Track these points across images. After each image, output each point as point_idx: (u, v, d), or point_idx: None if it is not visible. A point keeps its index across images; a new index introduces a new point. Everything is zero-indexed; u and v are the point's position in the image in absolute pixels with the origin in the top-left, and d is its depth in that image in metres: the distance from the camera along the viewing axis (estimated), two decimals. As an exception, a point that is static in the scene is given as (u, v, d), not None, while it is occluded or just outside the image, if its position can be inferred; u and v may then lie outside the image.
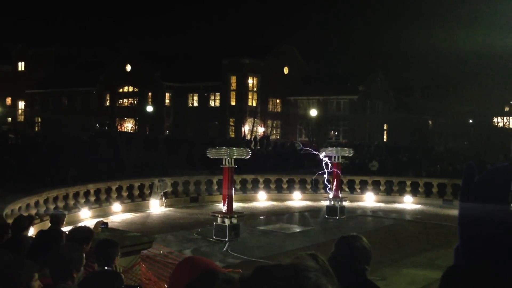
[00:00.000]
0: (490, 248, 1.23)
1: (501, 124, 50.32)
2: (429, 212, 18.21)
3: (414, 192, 20.00)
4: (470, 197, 1.31)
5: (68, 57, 62.06)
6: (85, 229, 5.65)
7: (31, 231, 7.73)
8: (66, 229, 6.54)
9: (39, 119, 61.61)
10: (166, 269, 6.63)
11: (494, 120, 49.76)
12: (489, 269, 1.19)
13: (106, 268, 4.42)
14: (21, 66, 65.97)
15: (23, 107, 65.89)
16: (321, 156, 16.59)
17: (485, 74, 45.92)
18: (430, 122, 57.66)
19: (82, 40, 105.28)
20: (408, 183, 20.28)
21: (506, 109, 52.37)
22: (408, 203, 19.72)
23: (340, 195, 16.89)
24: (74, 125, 42.90)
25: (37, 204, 13.23)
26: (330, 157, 16.66)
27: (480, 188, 1.30)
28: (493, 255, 1.22)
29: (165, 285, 5.68)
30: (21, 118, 65.03)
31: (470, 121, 47.29)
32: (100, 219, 7.41)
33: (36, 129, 59.87)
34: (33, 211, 12.74)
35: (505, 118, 51.73)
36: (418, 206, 19.31)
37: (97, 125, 52.79)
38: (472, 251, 1.26)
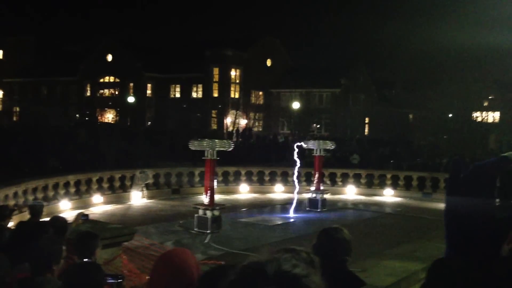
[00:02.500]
0: (475, 241, 1.25)
1: (479, 119, 51.06)
2: (409, 205, 18.44)
3: (395, 185, 20.23)
4: (457, 191, 1.33)
5: (47, 46, 61.05)
6: (61, 219, 5.60)
7: (10, 223, 7.61)
8: (44, 220, 6.46)
9: (18, 109, 60.62)
10: (147, 261, 6.60)
11: (473, 115, 50.48)
12: (473, 261, 1.21)
13: (86, 260, 4.38)
14: (-1, 54, 64.74)
15: (1, 96, 64.68)
16: (295, 147, 16.61)
17: (465, 69, 46.51)
18: (410, 116, 58.30)
19: (62, 29, 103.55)
20: (389, 176, 20.49)
21: (485, 104, 53.13)
22: (389, 196, 19.94)
23: (321, 188, 16.99)
24: (53, 115, 42.31)
25: (15, 195, 13.03)
26: (303, 150, 16.68)
27: (467, 182, 1.32)
28: (477, 248, 1.24)
29: (147, 277, 5.66)
30: (-1, 107, 63.91)
31: (450, 115, 47.93)
32: (80, 211, 7.34)
33: (15, 119, 58.92)
34: (11, 202, 12.54)
35: (483, 112, 52.48)
36: (398, 199, 19.55)
37: (77, 115, 52.18)
38: (457, 244, 1.29)
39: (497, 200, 1.20)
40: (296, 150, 16.45)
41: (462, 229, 1.26)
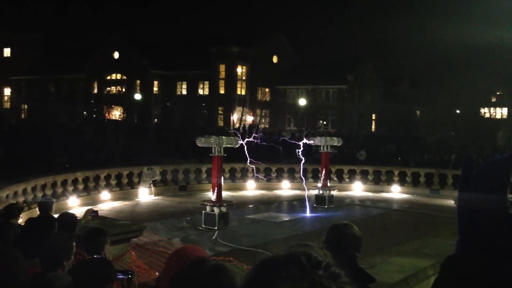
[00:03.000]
0: (488, 238, 1.24)
1: (487, 115, 50.77)
2: (417, 201, 18.38)
3: (402, 182, 20.17)
4: (469, 187, 1.31)
5: (55, 43, 61.27)
6: (70, 215, 5.63)
7: (20, 219, 7.66)
8: (53, 216, 6.49)
9: (26, 106, 60.90)
10: (156, 257, 6.63)
11: (481, 111, 50.20)
12: (487, 259, 1.20)
13: (95, 256, 4.40)
14: (7, 52, 64.95)
15: (9, 94, 65.01)
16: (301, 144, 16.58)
17: (472, 65, 46.24)
18: (418, 112, 58.02)
19: (69, 27, 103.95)
20: (396, 172, 20.43)
21: (493, 99, 52.83)
22: (396, 192, 19.88)
23: (328, 184, 16.97)
24: (61, 112, 42.49)
25: (24, 191, 13.11)
26: (310, 147, 16.65)
27: (480, 178, 1.31)
28: (491, 245, 1.23)
29: (156, 273, 5.68)
30: (7, 105, 64.18)
31: (457, 111, 47.67)
32: (89, 207, 7.37)
33: (23, 116, 59.22)
34: (20, 199, 12.63)
35: (491, 108, 52.21)
36: (405, 196, 19.48)
37: (84, 112, 52.35)
38: (471, 241, 1.27)
39: (510, 196, 1.19)
40: (301, 148, 16.42)
41: (476, 226, 1.25)
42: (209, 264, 1.94)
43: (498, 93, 52.67)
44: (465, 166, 1.40)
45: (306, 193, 15.99)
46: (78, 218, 6.22)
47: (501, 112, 53.89)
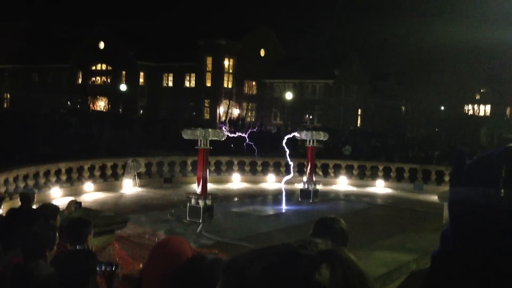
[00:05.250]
0: (480, 233, 1.23)
1: (471, 112, 51.37)
2: (400, 196, 18.54)
3: (386, 177, 20.31)
4: (461, 182, 1.30)
5: (39, 32, 60.36)
6: (51, 206, 5.55)
7: (0, 210, 7.55)
8: (35, 207, 6.39)
9: (8, 96, 60.01)
10: (140, 249, 6.58)
11: (465, 108, 50.77)
12: (478, 254, 1.19)
13: (78, 247, 4.34)
14: (-11, 40, 63.82)
15: (-9, 83, 63.97)
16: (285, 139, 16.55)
17: (457, 63, 46.68)
18: (403, 108, 58.48)
19: (54, 16, 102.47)
20: (381, 168, 20.57)
21: (477, 97, 53.45)
22: (380, 187, 20.02)
23: (313, 179, 17.02)
24: (45, 102, 41.96)
25: (6, 181, 12.93)
26: (296, 141, 16.61)
27: (472, 173, 1.29)
28: (482, 240, 1.22)
29: (140, 265, 5.64)
30: (-11, 94, 63.17)
31: (442, 108, 48.15)
32: (73, 199, 7.28)
33: (5, 105, 58.36)
34: (2, 189, 12.45)
35: (475, 106, 52.81)
36: (389, 191, 19.63)
37: (68, 103, 51.77)
38: (462, 237, 1.26)
39: (502, 190, 1.19)
40: (285, 141, 16.40)
41: (468, 221, 1.24)
42: (208, 260, 1.93)
43: (482, 90, 53.30)
44: (457, 161, 1.39)
45: (283, 186, 15.87)
46: (61, 209, 6.14)
47: (484, 110, 54.57)
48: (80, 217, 5.29)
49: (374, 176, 20.48)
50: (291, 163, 16.66)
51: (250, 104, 53.82)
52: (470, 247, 1.20)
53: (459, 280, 1.16)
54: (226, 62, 52.34)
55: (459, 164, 1.32)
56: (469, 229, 1.23)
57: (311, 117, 53.04)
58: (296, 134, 17.13)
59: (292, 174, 16.73)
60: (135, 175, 17.62)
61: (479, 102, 53.57)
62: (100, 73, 56.41)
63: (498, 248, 1.16)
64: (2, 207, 7.59)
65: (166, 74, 54.71)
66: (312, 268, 0.79)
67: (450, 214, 1.32)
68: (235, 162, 20.47)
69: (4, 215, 6.31)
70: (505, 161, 1.27)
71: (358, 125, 54.68)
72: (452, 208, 1.31)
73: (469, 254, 1.18)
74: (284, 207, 15.59)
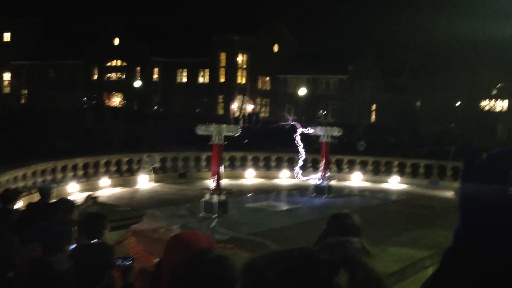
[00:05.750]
0: (489, 230, 1.25)
1: (488, 108, 50.69)
2: (415, 192, 18.42)
3: (401, 173, 20.19)
4: (471, 179, 1.32)
5: (55, 28, 60.89)
6: (68, 201, 5.65)
7: (19, 204, 7.68)
8: (53, 202, 6.50)
9: (26, 92, 60.73)
10: (156, 243, 6.66)
11: (481, 104, 50.13)
12: (488, 250, 1.21)
13: (95, 241, 4.42)
14: (6, 36, 64.58)
15: (9, 79, 64.77)
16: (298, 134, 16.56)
17: (473, 58, 46.09)
18: (418, 103, 57.95)
19: (70, 12, 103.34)
20: (395, 163, 20.44)
21: (494, 92, 52.69)
22: (395, 183, 19.92)
23: (327, 174, 17.00)
24: (61, 98, 42.42)
25: (24, 176, 13.13)
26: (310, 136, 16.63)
27: (482, 170, 1.31)
28: (491, 237, 1.24)
29: (155, 259, 5.71)
30: (7, 90, 63.96)
31: (458, 103, 47.60)
32: (90, 193, 7.38)
33: (23, 101, 59.09)
34: (20, 184, 12.66)
35: (492, 101, 52.07)
36: (404, 186, 19.52)
37: (84, 98, 52.23)
38: (472, 233, 1.28)
39: (511, 189, 1.20)
40: (298, 135, 16.41)
41: (477, 217, 1.25)
42: (209, 257, 1.93)
43: (498, 85, 52.53)
44: (467, 158, 1.41)
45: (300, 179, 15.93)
46: (77, 204, 6.24)
47: (501, 105, 53.81)
48: (96, 211, 5.37)
49: (388, 172, 20.37)
50: (302, 153, 16.57)
51: (263, 100, 53.77)
52: (479, 243, 1.22)
53: (468, 276, 1.18)
54: (240, 58, 52.32)
55: (469, 162, 1.34)
56: (479, 226, 1.25)
57: (325, 112, 52.84)
58: (311, 131, 17.12)
59: (299, 166, 16.69)
60: (150, 170, 17.76)
61: (496, 98, 52.81)
62: (115, 69, 56.80)
63: (506, 245, 1.18)
64: (20, 201, 7.72)
65: (180, 70, 54.88)
66: (330, 273, 0.80)
67: (460, 210, 1.34)
68: (249, 157, 20.51)
69: (23, 209, 6.43)
70: (513, 160, 1.28)
71: (373, 120, 54.34)
72: (462, 205, 1.33)
73: (478, 250, 1.20)
74: (298, 202, 15.61)
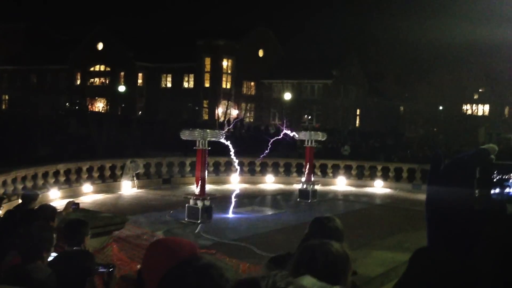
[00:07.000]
0: (455, 231, 1.26)
1: (470, 112, 51.41)
2: (399, 196, 18.56)
3: (385, 177, 20.33)
4: (437, 182, 1.34)
5: (37, 33, 60.33)
6: (49, 207, 5.57)
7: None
8: (33, 208, 6.40)
9: (7, 97, 59.98)
10: (138, 250, 6.59)
11: (463, 108, 50.83)
12: (453, 252, 1.22)
13: (75, 248, 4.35)
14: (-12, 41, 63.74)
15: (-10, 84, 63.89)
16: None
17: (455, 63, 46.75)
18: (401, 108, 58.50)
19: (52, 17, 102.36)
20: (379, 168, 20.58)
21: (476, 96, 53.48)
22: (379, 187, 20.04)
23: (312, 179, 17.04)
24: (43, 103, 41.98)
25: (4, 183, 12.93)
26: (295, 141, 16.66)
27: (447, 173, 1.33)
28: (457, 238, 1.25)
29: (138, 266, 5.65)
30: (-12, 95, 63.09)
31: (440, 107, 48.19)
32: (71, 200, 7.29)
33: (4, 107, 58.34)
34: (0, 191, 12.45)
35: (473, 105, 52.85)
36: (388, 190, 19.65)
37: (67, 104, 51.74)
38: (437, 235, 1.30)
39: (477, 191, 1.22)
40: (281, 134, 16.44)
41: (442, 220, 1.27)
42: (197, 265, 1.89)
43: (480, 90, 53.33)
44: (433, 162, 1.42)
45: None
46: (59, 210, 6.15)
47: (483, 109, 54.59)
48: (77, 218, 5.30)
49: (372, 176, 20.50)
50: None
51: (249, 105, 53.82)
52: (444, 245, 1.23)
53: (432, 277, 1.19)
54: (225, 63, 52.33)
55: (435, 165, 1.35)
56: (444, 228, 1.26)
57: (309, 117, 53.06)
58: (295, 135, 17.16)
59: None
60: (133, 176, 17.62)
61: (477, 102, 53.61)
62: (99, 74, 56.37)
63: (470, 246, 1.18)
64: (1, 208, 7.59)
65: (165, 75, 54.68)
66: None
67: (426, 213, 1.35)
68: (234, 163, 20.45)
69: (1, 216, 6.32)
70: (478, 162, 1.30)
71: (357, 125, 54.71)
72: (428, 208, 1.34)
73: (443, 251, 1.20)
74: (282, 207, 15.60)
